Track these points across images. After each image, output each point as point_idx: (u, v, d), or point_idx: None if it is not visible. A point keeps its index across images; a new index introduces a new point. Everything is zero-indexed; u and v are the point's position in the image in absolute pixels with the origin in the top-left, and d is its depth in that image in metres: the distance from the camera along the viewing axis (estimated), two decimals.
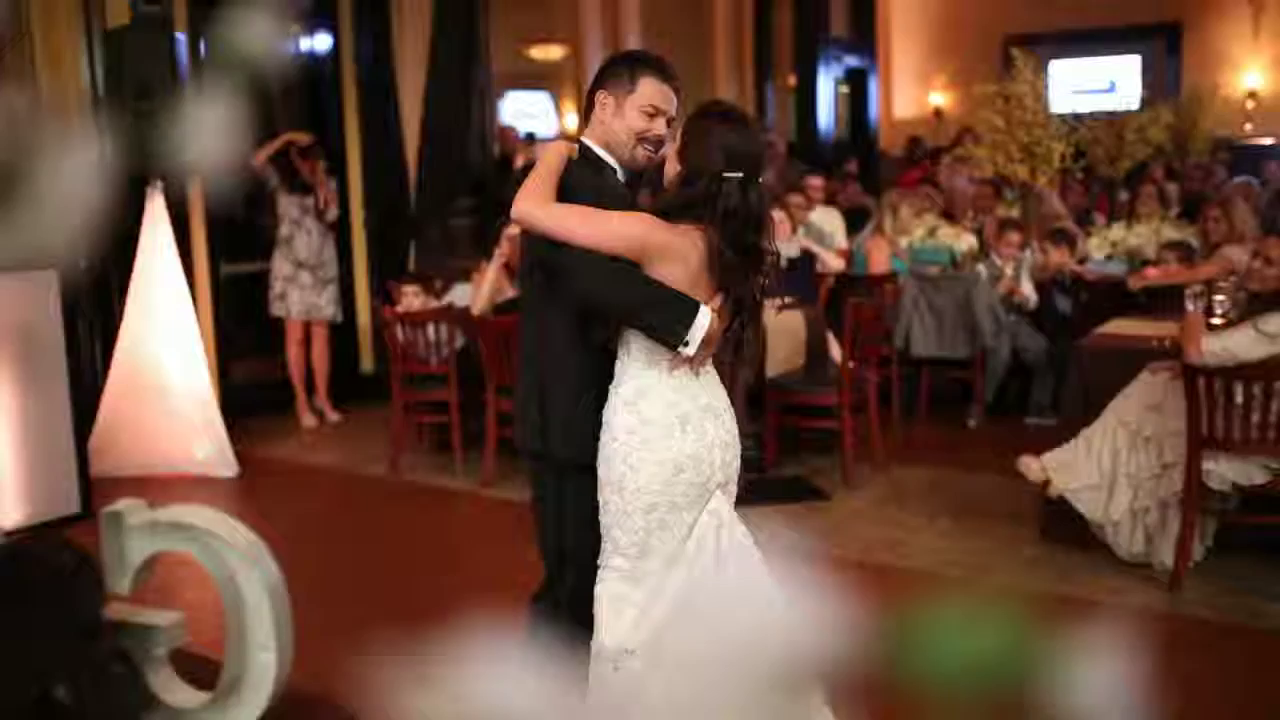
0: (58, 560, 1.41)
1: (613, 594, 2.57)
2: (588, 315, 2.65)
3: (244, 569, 1.42)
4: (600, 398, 2.64)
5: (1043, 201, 7.53)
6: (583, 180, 2.64)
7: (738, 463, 2.70)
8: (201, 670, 1.52)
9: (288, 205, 7.00)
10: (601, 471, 2.60)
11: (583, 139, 2.74)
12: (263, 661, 1.46)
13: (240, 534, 1.47)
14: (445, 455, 6.22)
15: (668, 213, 2.57)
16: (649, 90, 2.65)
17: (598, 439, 2.62)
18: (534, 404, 2.75)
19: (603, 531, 2.61)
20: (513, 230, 5.95)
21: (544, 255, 2.63)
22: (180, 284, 6.10)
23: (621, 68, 2.71)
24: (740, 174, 2.53)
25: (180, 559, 1.66)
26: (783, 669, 2.35)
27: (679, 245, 2.52)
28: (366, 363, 8.10)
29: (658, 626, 2.51)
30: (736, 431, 2.71)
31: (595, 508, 2.64)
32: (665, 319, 2.53)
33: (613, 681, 2.53)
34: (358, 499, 5.92)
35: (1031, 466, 4.58)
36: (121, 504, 1.53)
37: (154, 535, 1.50)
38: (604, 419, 2.61)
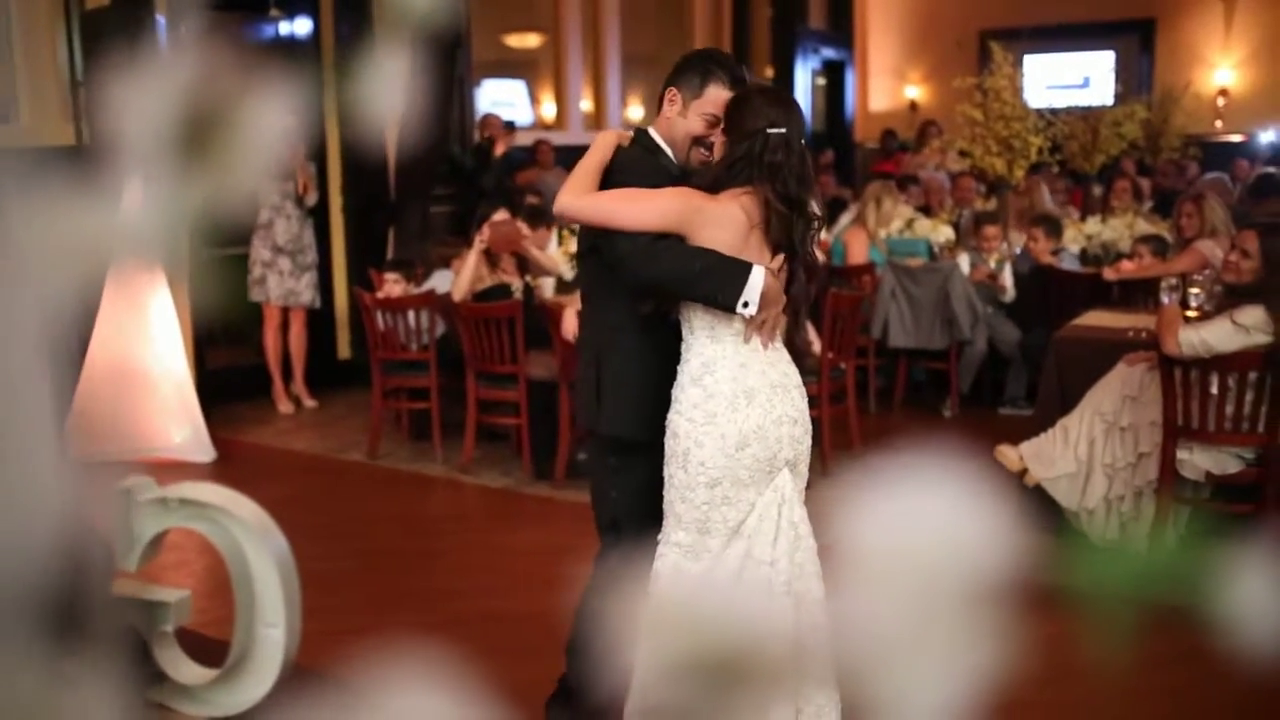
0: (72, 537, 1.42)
1: (671, 567, 2.60)
2: (643, 296, 2.69)
3: (253, 545, 1.44)
4: (659, 376, 2.68)
5: (1033, 192, 7.59)
6: (633, 161, 2.73)
7: (809, 440, 2.68)
8: (208, 648, 1.53)
9: (267, 190, 6.97)
10: (668, 446, 2.63)
11: (647, 128, 2.84)
12: (271, 639, 1.48)
13: (249, 510, 1.48)
14: (424, 442, 6.23)
15: (716, 184, 2.62)
16: (715, 97, 2.72)
17: (651, 418, 2.66)
18: (589, 384, 2.81)
19: (665, 507, 2.64)
20: (497, 217, 5.96)
21: (595, 242, 2.71)
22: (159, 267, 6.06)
23: (694, 69, 2.78)
24: (783, 130, 2.58)
25: (188, 536, 1.68)
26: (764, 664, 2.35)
27: (721, 212, 2.57)
28: (344, 349, 8.07)
29: (706, 584, 2.50)
30: (807, 409, 2.69)
31: (644, 482, 2.69)
32: (718, 284, 2.55)
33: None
34: (337, 484, 5.92)
35: (1009, 455, 4.64)
36: (130, 480, 1.54)
37: (163, 512, 1.51)
38: (673, 395, 2.64)
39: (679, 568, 2.57)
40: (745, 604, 0.46)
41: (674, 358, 2.67)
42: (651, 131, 2.83)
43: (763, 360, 2.60)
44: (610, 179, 2.69)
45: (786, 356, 2.68)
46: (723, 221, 2.59)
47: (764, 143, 2.57)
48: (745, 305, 2.53)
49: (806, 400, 2.70)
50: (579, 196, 2.65)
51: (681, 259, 2.57)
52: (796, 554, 2.56)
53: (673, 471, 2.61)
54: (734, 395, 2.56)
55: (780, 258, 2.61)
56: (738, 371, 2.57)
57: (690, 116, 2.75)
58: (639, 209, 2.60)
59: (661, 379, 2.67)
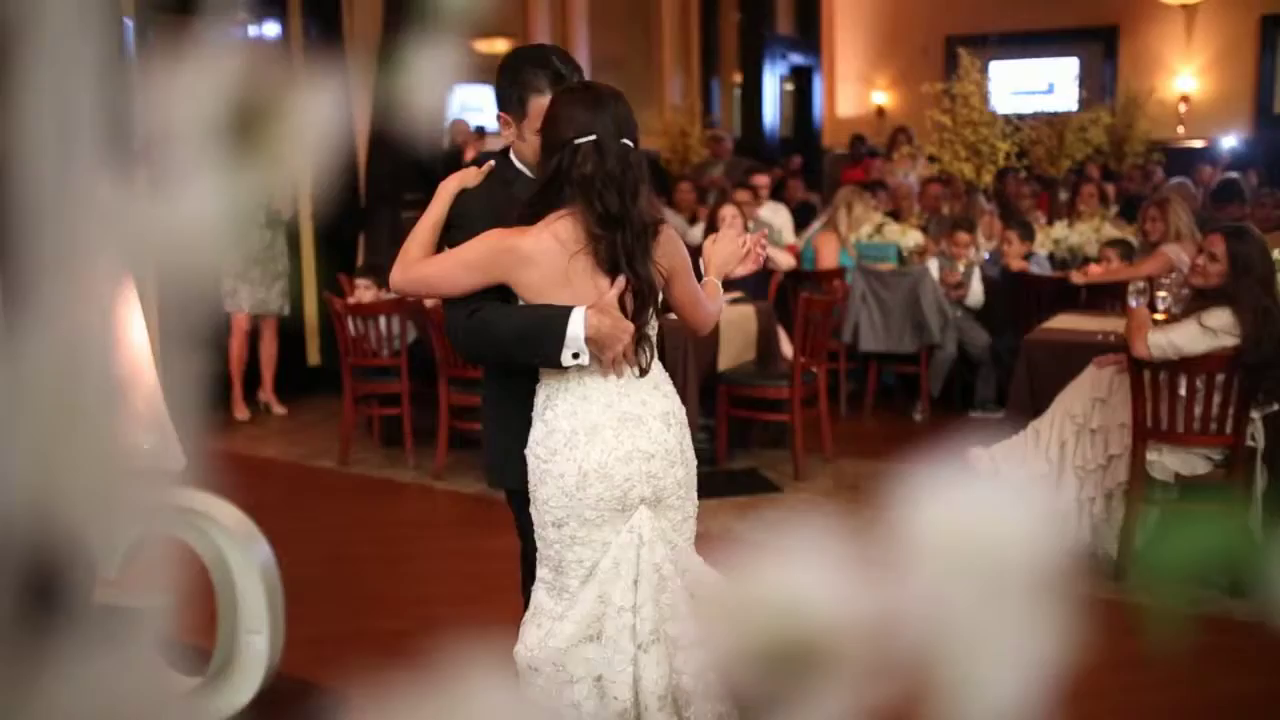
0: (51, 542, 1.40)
1: (535, 604, 2.46)
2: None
3: (235, 551, 1.43)
4: (521, 421, 2.47)
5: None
6: (476, 203, 2.47)
7: (679, 474, 2.43)
8: (190, 656, 1.51)
9: None
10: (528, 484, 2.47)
11: (508, 152, 2.60)
12: (253, 645, 1.46)
13: (231, 515, 1.47)
14: (396, 448, 6.19)
15: (532, 213, 2.37)
16: (541, 109, 2.44)
17: (520, 463, 2.47)
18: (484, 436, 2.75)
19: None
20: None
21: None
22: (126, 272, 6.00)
23: (510, 84, 2.52)
24: (592, 137, 2.30)
25: (169, 543, 1.66)
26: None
27: (531, 246, 2.33)
28: (314, 356, 8.02)
29: (560, 646, 2.38)
30: (677, 442, 2.43)
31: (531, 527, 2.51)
32: (535, 345, 2.36)
33: (526, 692, 2.43)
34: (308, 491, 5.87)
35: (981, 459, 4.67)
36: (109, 485, 1.52)
37: (143, 517, 1.48)
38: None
39: (540, 606, 2.44)
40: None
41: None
42: (512, 156, 2.57)
43: (611, 391, 2.38)
44: (447, 236, 2.46)
45: (650, 382, 2.42)
46: (534, 257, 2.33)
47: (571, 156, 2.30)
48: (575, 356, 2.32)
49: (678, 429, 2.44)
50: (406, 268, 2.44)
51: (497, 328, 2.38)
52: (663, 596, 2.36)
53: (531, 510, 2.46)
54: (573, 431, 2.36)
55: (621, 280, 2.34)
56: (578, 405, 2.36)
57: (528, 136, 2.48)
58: (450, 273, 2.39)
59: (525, 422, 2.47)
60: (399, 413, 6.05)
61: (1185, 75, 14.16)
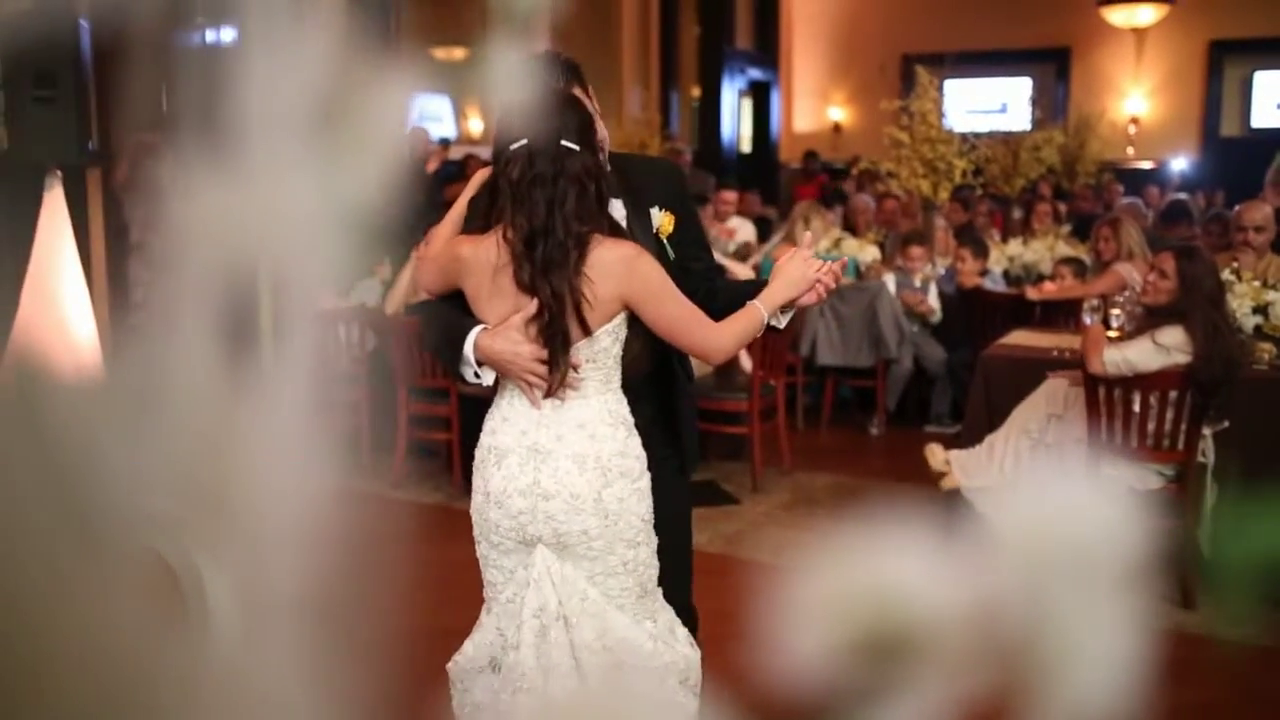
0: None
1: (481, 616, 2.40)
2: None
3: (205, 561, 1.41)
4: None
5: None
6: (478, 205, 2.40)
7: (586, 525, 2.20)
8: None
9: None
10: None
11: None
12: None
13: (200, 526, 1.45)
14: (353, 457, 6.14)
15: (485, 217, 2.27)
16: None
17: None
18: None
19: None
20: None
21: None
22: (78, 277, 5.91)
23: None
24: (524, 142, 2.16)
25: None
26: None
27: (472, 255, 2.24)
28: None
29: (464, 666, 2.34)
30: (591, 489, 2.20)
31: None
32: (448, 357, 2.31)
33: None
34: None
35: (936, 454, 4.70)
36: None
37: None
38: None
39: (480, 620, 2.39)
40: None
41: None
42: None
43: (529, 418, 2.23)
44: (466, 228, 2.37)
45: (576, 419, 2.22)
46: (470, 266, 2.23)
47: (505, 164, 2.18)
48: (477, 375, 2.26)
49: (596, 475, 2.21)
50: (417, 265, 2.46)
51: (427, 332, 2.36)
52: (543, 645, 2.20)
53: None
54: (488, 449, 2.28)
55: (533, 304, 2.18)
56: (499, 425, 2.27)
57: None
58: (429, 271, 2.34)
59: None
60: (358, 422, 6.00)
61: (1135, 97, 14.42)
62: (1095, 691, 0.41)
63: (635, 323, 2.27)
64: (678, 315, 2.25)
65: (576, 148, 2.16)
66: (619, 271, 2.18)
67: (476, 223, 2.29)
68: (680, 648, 2.30)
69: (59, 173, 5.87)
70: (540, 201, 2.13)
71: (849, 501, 5.62)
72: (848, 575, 0.43)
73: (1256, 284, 4.96)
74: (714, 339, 2.29)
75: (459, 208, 2.40)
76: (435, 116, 12.04)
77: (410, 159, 8.81)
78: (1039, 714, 0.43)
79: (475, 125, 11.97)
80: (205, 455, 0.47)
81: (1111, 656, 0.41)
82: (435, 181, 8.75)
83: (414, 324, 5.54)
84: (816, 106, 15.91)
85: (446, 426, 5.66)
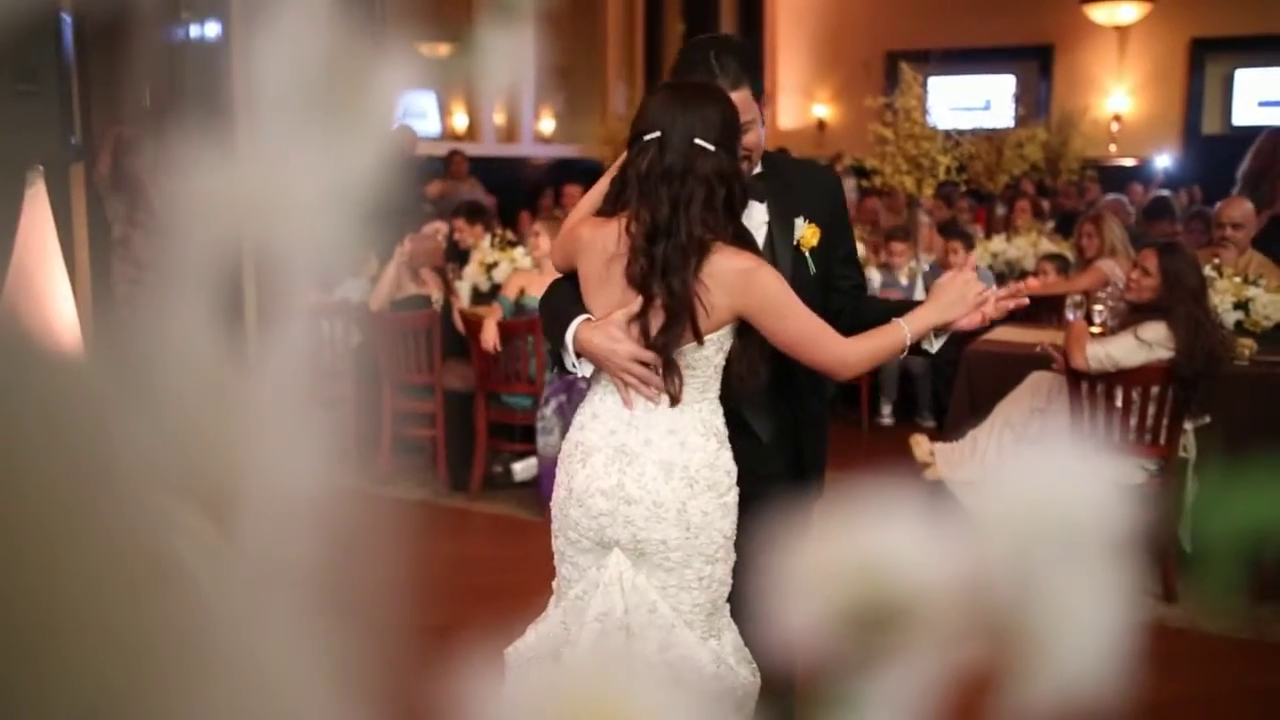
0: None
1: (547, 608, 2.36)
2: None
3: (200, 555, 1.40)
4: None
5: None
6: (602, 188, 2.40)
7: (667, 535, 2.15)
8: None
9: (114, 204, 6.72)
10: None
11: None
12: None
13: (193, 519, 1.44)
14: (338, 453, 6.12)
15: (608, 203, 2.25)
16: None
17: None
18: None
19: None
20: (428, 230, 5.95)
21: None
22: (61, 276, 5.88)
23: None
24: (657, 133, 2.10)
25: None
26: None
27: (592, 237, 2.21)
28: None
29: (524, 654, 2.27)
30: (676, 499, 2.15)
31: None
32: (551, 341, 2.27)
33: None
34: None
35: (921, 445, 4.72)
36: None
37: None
38: None
39: (545, 612, 2.33)
40: None
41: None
42: None
43: (621, 419, 2.18)
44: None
45: (668, 424, 2.16)
46: (590, 250, 2.20)
47: (636, 153, 2.13)
48: (575, 366, 2.21)
49: (682, 486, 2.15)
50: (551, 252, 2.39)
51: (543, 309, 2.32)
52: (599, 649, 2.13)
53: None
54: (574, 445, 2.24)
55: (638, 301, 2.12)
56: (588, 422, 2.22)
57: None
58: (555, 247, 2.34)
59: None
60: (342, 418, 5.99)
61: (1118, 95, 14.48)
62: (1075, 683, 0.42)
63: (746, 333, 2.19)
64: (801, 329, 2.15)
65: (711, 148, 2.08)
66: (735, 283, 2.11)
67: (606, 206, 2.25)
68: (742, 673, 2.23)
69: (41, 168, 5.85)
70: (665, 199, 2.07)
71: (833, 497, 5.63)
72: (829, 558, 0.43)
73: (1237, 280, 5.00)
74: (841, 354, 2.17)
75: (601, 185, 2.33)
76: (419, 113, 12.00)
77: (399, 156, 8.80)
78: (1019, 705, 0.43)
79: (460, 121, 11.94)
80: (188, 448, 0.47)
81: (1092, 647, 0.41)
82: (416, 178, 8.74)
83: (398, 320, 5.53)
84: (800, 104, 15.92)
85: (431, 423, 5.66)
